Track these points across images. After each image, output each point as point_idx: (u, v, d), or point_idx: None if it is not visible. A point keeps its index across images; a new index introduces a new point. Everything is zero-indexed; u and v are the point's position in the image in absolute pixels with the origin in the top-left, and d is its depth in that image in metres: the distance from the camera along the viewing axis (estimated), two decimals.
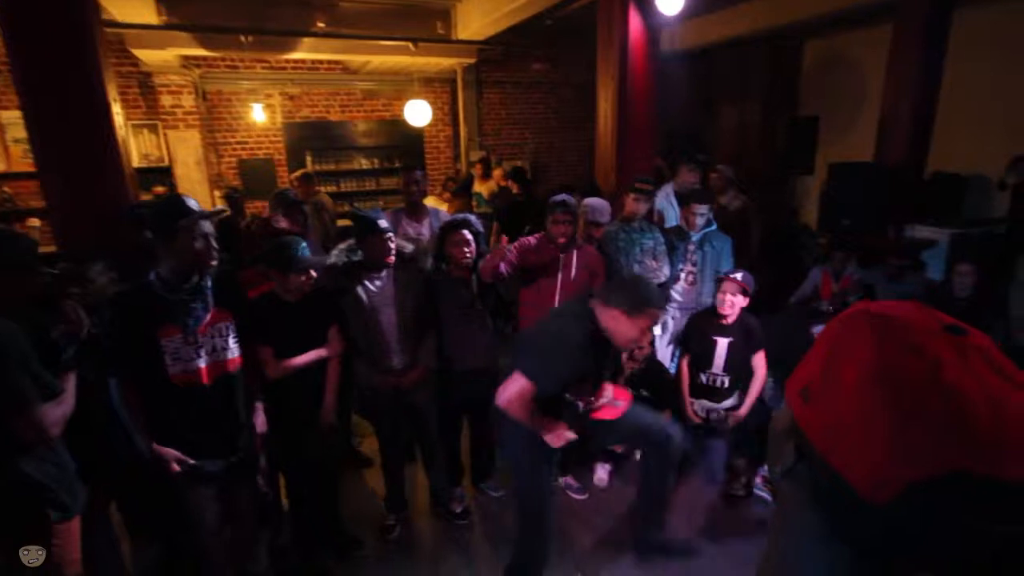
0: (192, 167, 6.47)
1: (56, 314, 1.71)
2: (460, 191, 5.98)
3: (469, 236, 2.56)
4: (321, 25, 6.05)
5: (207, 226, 1.75)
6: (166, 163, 6.36)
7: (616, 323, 1.92)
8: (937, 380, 0.57)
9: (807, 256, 4.82)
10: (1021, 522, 0.56)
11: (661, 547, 2.55)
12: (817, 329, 3.39)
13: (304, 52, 6.27)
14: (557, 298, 2.76)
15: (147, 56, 5.79)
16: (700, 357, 2.98)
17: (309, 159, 7.28)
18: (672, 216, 3.92)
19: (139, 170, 5.16)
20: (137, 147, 6.21)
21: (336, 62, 7.13)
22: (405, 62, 6.78)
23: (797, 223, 6.58)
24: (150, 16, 5.29)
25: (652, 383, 2.99)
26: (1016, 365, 0.60)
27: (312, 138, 7.34)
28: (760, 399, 2.95)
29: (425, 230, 3.19)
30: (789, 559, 0.75)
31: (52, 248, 3.01)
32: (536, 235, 2.88)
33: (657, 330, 3.29)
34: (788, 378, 0.76)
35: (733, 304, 2.83)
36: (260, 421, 2.08)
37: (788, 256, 4.91)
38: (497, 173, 6.33)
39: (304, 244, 2.25)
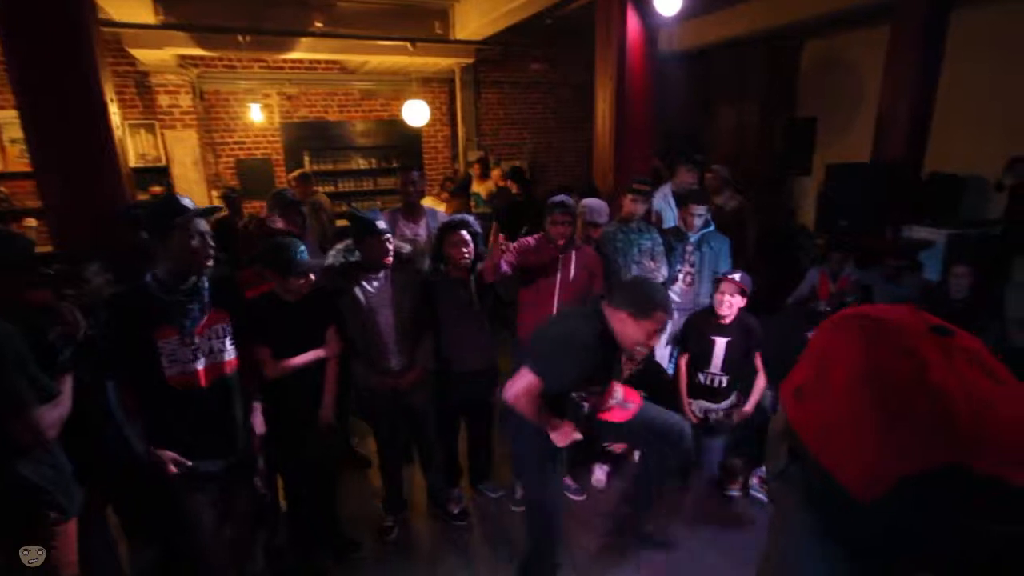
0: (189, 167, 6.46)
1: (53, 316, 1.70)
2: (458, 191, 5.97)
3: (467, 237, 2.56)
4: (319, 25, 6.04)
5: (203, 224, 1.75)
6: (163, 163, 6.35)
7: (623, 325, 1.93)
8: (923, 380, 0.58)
9: (804, 257, 4.83)
10: (1014, 521, 0.57)
11: (642, 538, 2.61)
12: (811, 332, 3.40)
13: (302, 52, 6.26)
14: (556, 299, 2.76)
15: (144, 56, 5.78)
16: (698, 357, 2.99)
17: (307, 159, 7.28)
18: (670, 217, 3.92)
19: (136, 170, 5.15)
20: (134, 147, 6.20)
21: (334, 62, 7.13)
22: (403, 62, 6.78)
23: (795, 224, 6.60)
24: (147, 16, 5.27)
25: (650, 383, 2.99)
26: (1012, 366, 0.62)
27: (310, 138, 7.33)
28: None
29: (422, 231, 3.18)
30: (789, 559, 0.76)
31: (49, 248, 3.01)
32: (535, 236, 2.88)
33: None
34: (783, 380, 0.77)
35: (731, 305, 2.83)
36: (258, 422, 2.08)
37: (786, 257, 4.92)
38: (495, 173, 6.33)
39: (302, 247, 2.24)
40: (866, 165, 4.80)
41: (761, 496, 2.94)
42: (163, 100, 6.31)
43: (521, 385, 1.94)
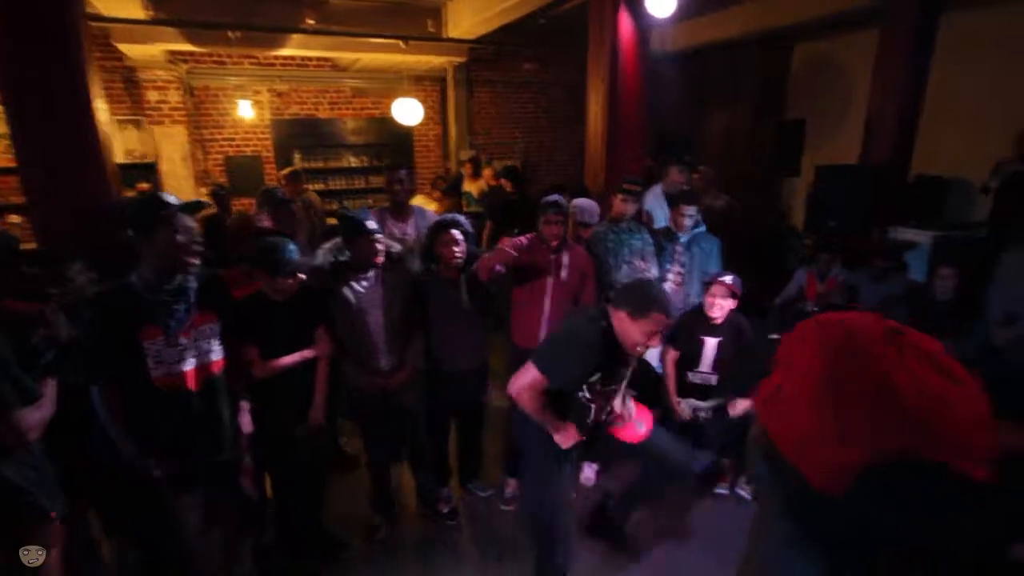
0: (178, 163, 6.39)
1: (35, 318, 1.68)
2: (450, 190, 5.97)
3: (459, 236, 2.55)
4: (311, 22, 6.00)
5: (188, 220, 1.73)
6: (151, 159, 6.28)
7: (622, 324, 1.95)
8: (873, 373, 0.64)
9: (793, 258, 4.87)
10: (980, 516, 0.61)
11: (614, 533, 2.62)
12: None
13: (293, 49, 6.22)
14: (548, 299, 2.76)
15: (132, 51, 5.72)
16: (688, 356, 3.00)
17: (297, 156, 7.22)
18: (661, 217, 3.94)
19: (123, 166, 5.08)
20: (121, 143, 6.12)
21: (325, 59, 7.09)
22: (395, 60, 6.75)
23: (786, 225, 6.64)
24: (136, 10, 5.21)
25: (638, 382, 3.00)
26: (995, 366, 0.65)
27: (300, 135, 7.28)
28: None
29: (410, 230, 3.17)
30: (768, 563, 0.78)
31: (32, 245, 2.97)
32: (527, 235, 2.87)
33: None
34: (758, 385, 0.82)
35: (722, 308, 2.84)
36: (245, 421, 2.06)
37: (775, 258, 4.95)
38: (487, 172, 6.33)
39: (292, 246, 2.23)
40: (854, 167, 4.84)
41: (746, 495, 2.97)
42: (151, 96, 6.24)
43: (525, 380, 1.98)
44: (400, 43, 6.14)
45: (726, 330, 2.91)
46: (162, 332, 1.73)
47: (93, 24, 4.44)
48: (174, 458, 1.81)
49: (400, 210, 3.19)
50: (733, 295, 2.84)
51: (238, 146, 7.04)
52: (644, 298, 1.92)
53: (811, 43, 7.19)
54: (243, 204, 6.41)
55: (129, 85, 6.21)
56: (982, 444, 0.60)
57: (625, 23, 4.28)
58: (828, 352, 0.69)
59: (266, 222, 3.22)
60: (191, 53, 6.27)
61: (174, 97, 6.33)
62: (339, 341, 2.42)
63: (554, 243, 2.74)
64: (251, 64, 6.81)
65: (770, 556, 0.78)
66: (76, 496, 1.82)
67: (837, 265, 3.87)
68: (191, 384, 1.80)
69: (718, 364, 2.95)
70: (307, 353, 2.30)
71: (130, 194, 5.18)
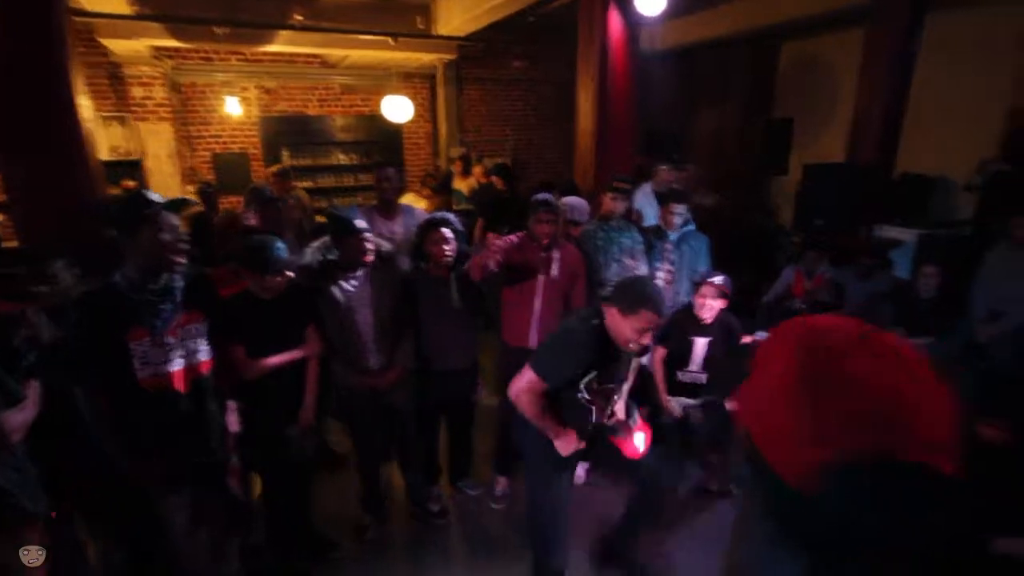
0: (164, 161, 6.32)
1: (17, 320, 1.66)
2: (439, 188, 5.95)
3: (449, 234, 2.54)
4: (299, 18, 5.96)
5: (173, 218, 1.71)
6: (136, 156, 6.20)
7: (613, 320, 1.96)
8: (843, 373, 0.66)
9: (781, 255, 4.91)
10: (953, 511, 0.63)
11: (625, 564, 2.49)
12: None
13: (281, 45, 6.16)
14: (539, 297, 2.76)
15: (117, 46, 5.63)
16: (678, 355, 3.01)
17: (285, 154, 7.16)
18: (651, 215, 3.95)
19: (108, 163, 5.02)
20: (106, 139, 6.03)
21: (314, 56, 7.03)
22: (384, 57, 6.71)
23: (775, 223, 6.69)
24: (121, 5, 5.14)
25: (641, 394, 3.01)
26: (978, 363, 0.67)
27: (289, 132, 7.22)
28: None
29: (398, 228, 3.15)
30: (751, 564, 0.80)
31: (14, 243, 2.92)
32: (518, 234, 2.87)
33: None
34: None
35: (712, 308, 2.86)
36: (232, 420, 2.05)
37: (764, 256, 4.99)
38: (477, 170, 6.31)
39: (280, 244, 2.21)
40: (841, 165, 4.89)
41: (736, 491, 2.99)
42: (137, 92, 6.15)
43: (522, 383, 2.00)
44: (389, 40, 6.11)
45: (716, 330, 2.93)
46: (148, 332, 1.71)
47: (77, 19, 4.38)
48: (161, 459, 1.79)
49: (388, 208, 3.17)
50: (723, 295, 2.85)
51: (225, 143, 6.97)
52: (635, 295, 1.93)
53: (798, 42, 7.24)
54: (231, 202, 6.35)
55: (114, 81, 6.12)
56: (949, 441, 0.63)
57: (615, 21, 4.29)
58: (803, 353, 0.71)
59: (252, 220, 3.19)
60: (177, 49, 6.18)
61: (160, 93, 6.25)
62: (328, 340, 2.41)
63: (545, 242, 2.74)
64: (238, 60, 6.74)
65: (752, 557, 0.79)
66: (60, 498, 1.80)
67: (824, 263, 3.90)
68: (179, 385, 1.78)
69: (708, 363, 2.96)
70: (296, 353, 2.28)
71: (115, 191, 5.11)
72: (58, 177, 2.73)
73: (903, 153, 4.76)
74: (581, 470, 3.12)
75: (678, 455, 3.07)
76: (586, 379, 2.01)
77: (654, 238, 3.35)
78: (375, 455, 2.74)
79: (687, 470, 3.14)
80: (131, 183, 5.71)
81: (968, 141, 5.12)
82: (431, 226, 2.57)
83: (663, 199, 3.52)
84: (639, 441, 2.17)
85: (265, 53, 6.63)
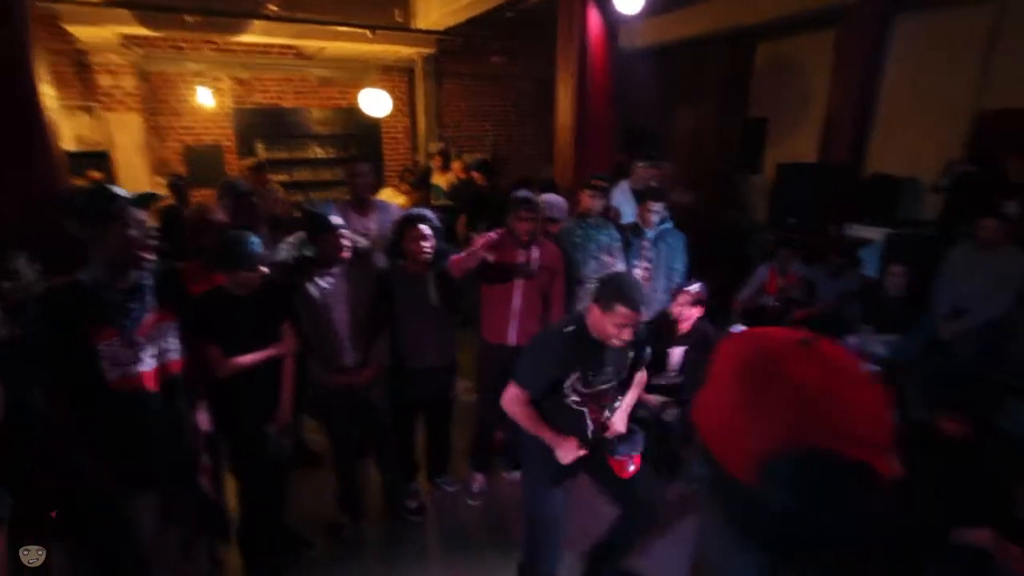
0: (133, 152, 6.13)
1: None
2: (418, 183, 5.89)
3: (427, 231, 2.52)
4: (274, 8, 5.83)
5: (139, 213, 1.66)
6: (104, 147, 6.01)
7: (592, 316, 1.98)
8: (780, 373, 0.73)
9: (756, 254, 4.99)
10: (889, 507, 0.67)
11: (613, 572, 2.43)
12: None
13: (255, 35, 6.02)
14: (518, 294, 2.76)
15: (83, 33, 5.44)
16: (654, 362, 3.01)
17: (260, 147, 7.02)
18: (628, 212, 3.98)
19: (73, 154, 4.86)
20: (72, 129, 5.84)
21: (290, 47, 6.88)
22: (362, 49, 6.62)
23: (751, 222, 6.80)
24: None
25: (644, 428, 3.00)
26: (941, 358, 0.72)
27: (263, 125, 7.07)
28: None
29: (372, 224, 3.12)
30: (715, 560, 0.83)
31: None
32: (497, 231, 2.86)
33: None
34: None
35: (689, 317, 2.89)
36: (202, 419, 2.00)
37: (741, 254, 5.07)
38: (456, 165, 6.28)
39: (255, 239, 2.16)
40: (814, 165, 4.99)
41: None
42: (104, 81, 5.95)
43: (508, 396, 2.04)
44: (367, 32, 6.02)
45: (692, 339, 2.96)
46: (118, 332, 1.65)
47: (39, 4, 4.21)
48: (129, 460, 1.74)
49: (361, 204, 3.13)
50: (699, 302, 2.88)
51: (198, 135, 6.80)
52: (611, 292, 1.94)
53: (773, 42, 7.35)
54: (203, 195, 6.19)
55: (80, 69, 5.91)
56: (882, 441, 0.68)
57: (594, 18, 4.29)
58: (746, 356, 0.78)
59: (220, 215, 3.10)
60: (146, 37, 5.99)
61: (128, 83, 6.05)
62: (303, 338, 2.37)
63: (525, 239, 2.74)
64: (211, 50, 6.56)
65: (717, 556, 0.82)
66: (23, 499, 1.74)
67: (797, 261, 3.98)
68: (149, 385, 1.73)
69: (684, 368, 2.99)
70: (271, 351, 2.24)
71: (80, 183, 4.94)
72: (19, 168, 2.63)
73: (873, 154, 4.88)
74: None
75: (660, 460, 3.07)
76: (568, 381, 2.02)
77: (632, 235, 3.37)
78: (351, 453, 2.71)
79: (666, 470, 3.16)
80: (97, 174, 5.52)
81: (936, 143, 5.26)
82: (409, 222, 2.54)
83: (641, 197, 3.55)
84: (629, 462, 2.15)
85: (239, 43, 6.46)
